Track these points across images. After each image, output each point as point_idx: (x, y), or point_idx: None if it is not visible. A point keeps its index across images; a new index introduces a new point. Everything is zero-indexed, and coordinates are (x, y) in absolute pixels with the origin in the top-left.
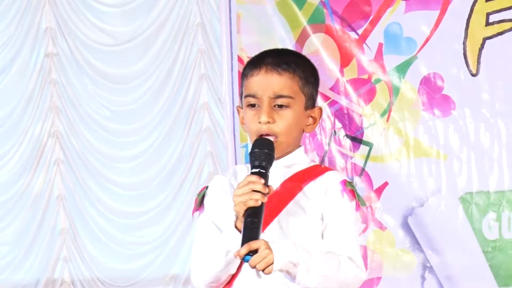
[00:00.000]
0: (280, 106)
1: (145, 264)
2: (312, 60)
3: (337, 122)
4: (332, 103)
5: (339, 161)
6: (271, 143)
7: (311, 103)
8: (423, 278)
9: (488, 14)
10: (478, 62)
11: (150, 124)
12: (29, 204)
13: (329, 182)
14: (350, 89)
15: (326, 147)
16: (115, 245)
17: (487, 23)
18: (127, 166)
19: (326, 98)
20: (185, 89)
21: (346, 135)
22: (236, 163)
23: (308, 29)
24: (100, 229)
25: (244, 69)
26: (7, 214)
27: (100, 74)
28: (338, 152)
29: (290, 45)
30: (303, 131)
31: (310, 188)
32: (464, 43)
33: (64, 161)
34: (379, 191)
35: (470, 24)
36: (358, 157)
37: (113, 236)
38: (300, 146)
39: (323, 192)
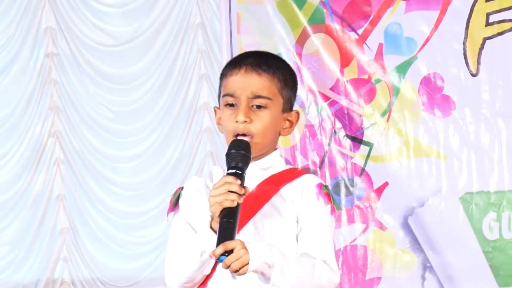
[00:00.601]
0: (258, 107)
1: (145, 264)
2: (313, 60)
3: (337, 122)
4: (332, 103)
5: (339, 161)
6: (247, 145)
7: (288, 106)
8: (423, 278)
9: (488, 14)
10: (478, 62)
11: (150, 124)
12: (29, 204)
13: (305, 185)
14: (350, 89)
15: (326, 147)
16: (115, 245)
17: (487, 23)
18: (127, 166)
19: (326, 98)
20: (185, 89)
21: (346, 135)
22: None
23: (308, 29)
24: (100, 229)
25: (224, 69)
26: (7, 214)
27: (100, 74)
28: (338, 152)
29: (290, 45)
30: (279, 134)
31: (286, 190)
32: (464, 43)
33: (64, 161)
34: (379, 191)
35: (470, 24)
36: (358, 157)
37: (113, 236)
38: (276, 149)
39: (299, 195)
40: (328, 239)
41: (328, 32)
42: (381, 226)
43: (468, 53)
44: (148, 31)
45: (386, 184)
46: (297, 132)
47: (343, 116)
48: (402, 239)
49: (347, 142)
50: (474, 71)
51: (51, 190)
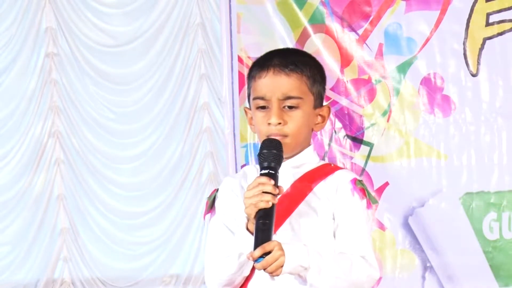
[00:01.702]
0: (290, 107)
1: (145, 264)
2: None
3: (337, 122)
4: (333, 104)
5: (340, 161)
6: (279, 143)
7: (319, 101)
8: (423, 278)
9: (488, 15)
10: (478, 62)
11: (151, 124)
12: (30, 204)
13: (339, 181)
14: (350, 89)
15: (326, 147)
16: (115, 245)
17: (487, 23)
18: (128, 166)
19: (326, 98)
20: (185, 89)
21: (347, 135)
22: (236, 163)
23: (309, 29)
24: (100, 229)
25: (251, 70)
26: (8, 214)
27: (100, 74)
28: (339, 152)
29: (290, 45)
30: (312, 130)
31: (321, 188)
32: (464, 43)
33: (64, 161)
34: (379, 191)
35: (470, 24)
36: (359, 157)
37: (113, 236)
38: (310, 145)
39: (334, 191)
40: (366, 234)
41: (328, 32)
42: (382, 226)
43: (468, 53)
44: (148, 31)
45: (386, 184)
46: None
47: (343, 116)
48: (402, 239)
49: (348, 142)
50: (474, 71)
51: (52, 190)
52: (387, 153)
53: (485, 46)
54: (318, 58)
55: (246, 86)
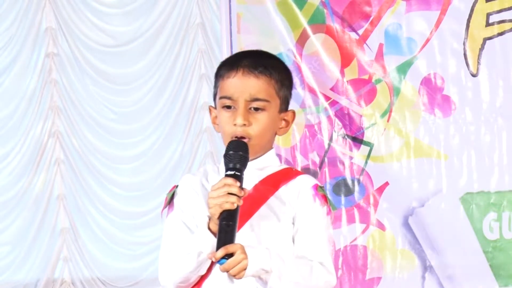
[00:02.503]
0: (256, 109)
1: (145, 264)
2: (313, 61)
3: (337, 122)
4: (333, 104)
5: (340, 161)
6: (245, 146)
7: (285, 106)
8: (423, 278)
9: (488, 15)
10: (479, 63)
11: (151, 124)
12: (30, 204)
13: (301, 186)
14: (350, 89)
15: (326, 147)
16: (115, 245)
17: (487, 24)
18: (128, 166)
19: (326, 98)
20: (186, 89)
21: (347, 135)
22: None
23: (309, 29)
24: (100, 229)
25: (219, 69)
26: (8, 214)
27: (100, 74)
28: (339, 152)
29: (290, 45)
30: (276, 134)
31: (283, 192)
32: (464, 44)
33: (64, 161)
34: (379, 191)
35: (471, 24)
36: (359, 157)
37: (113, 236)
38: (272, 148)
39: (295, 196)
40: (325, 240)
41: (329, 32)
42: (382, 226)
43: (468, 53)
44: (148, 31)
45: (386, 184)
46: (297, 132)
47: (343, 116)
48: (402, 239)
49: (348, 142)
50: (474, 71)
51: (52, 190)
52: (387, 153)
53: (485, 46)
54: (318, 59)
55: (213, 85)
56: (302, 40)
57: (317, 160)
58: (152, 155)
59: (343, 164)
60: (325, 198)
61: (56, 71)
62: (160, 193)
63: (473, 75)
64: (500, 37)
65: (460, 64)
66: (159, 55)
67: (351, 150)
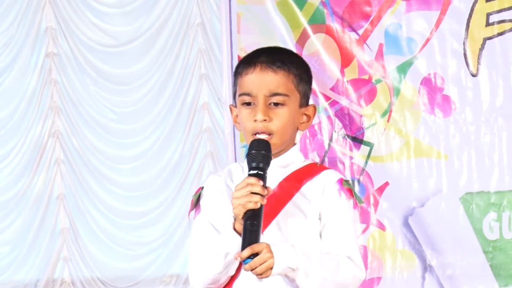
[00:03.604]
0: (276, 104)
1: (145, 264)
2: (313, 61)
3: (337, 122)
4: (333, 104)
5: (340, 161)
6: (268, 144)
7: (305, 101)
8: (423, 278)
9: (488, 15)
10: (479, 63)
11: (151, 124)
12: (30, 204)
13: (326, 181)
14: (350, 89)
15: (326, 147)
16: (115, 245)
17: (487, 24)
18: (128, 166)
19: (326, 98)
20: (185, 89)
21: (347, 135)
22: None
23: (309, 29)
24: (100, 229)
25: (238, 67)
26: (8, 214)
27: (100, 74)
28: (339, 152)
29: (290, 45)
30: (298, 129)
31: (307, 188)
32: (464, 44)
33: (64, 161)
34: (379, 191)
35: (471, 24)
36: (359, 157)
37: (113, 236)
38: (295, 144)
39: (320, 191)
40: (352, 234)
41: (329, 32)
42: (382, 226)
43: (468, 53)
44: (148, 31)
45: (386, 184)
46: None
47: (343, 116)
48: (402, 239)
49: (348, 142)
50: (474, 71)
51: (52, 190)
52: (387, 153)
53: (485, 46)
54: (318, 59)
55: (232, 84)
56: (302, 40)
57: (318, 160)
58: (152, 155)
59: (343, 164)
60: (350, 192)
61: (56, 71)
62: (161, 193)
63: (473, 75)
64: (500, 37)
65: (460, 64)
66: (159, 55)
67: (351, 150)
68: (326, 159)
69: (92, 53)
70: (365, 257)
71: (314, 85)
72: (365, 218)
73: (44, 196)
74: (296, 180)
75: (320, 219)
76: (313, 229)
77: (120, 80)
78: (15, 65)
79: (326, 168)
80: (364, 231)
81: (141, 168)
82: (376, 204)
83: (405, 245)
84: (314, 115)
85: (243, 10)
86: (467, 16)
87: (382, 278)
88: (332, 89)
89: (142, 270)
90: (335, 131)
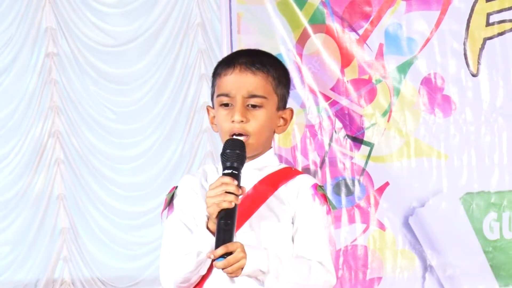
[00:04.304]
0: (254, 106)
1: (145, 264)
2: (313, 61)
3: (337, 122)
4: (333, 104)
5: (340, 161)
6: (242, 144)
7: (283, 104)
8: (423, 278)
9: (488, 15)
10: (479, 63)
11: (151, 124)
12: (30, 204)
13: (301, 185)
14: (350, 89)
15: (327, 147)
16: (115, 245)
17: (488, 24)
18: (128, 166)
19: (327, 98)
20: (185, 89)
21: (347, 135)
22: None
23: (309, 29)
24: (100, 229)
25: (216, 68)
26: (8, 214)
27: (100, 74)
28: (339, 152)
29: (290, 45)
30: (274, 132)
31: (282, 191)
32: (464, 44)
33: (64, 161)
34: (380, 191)
35: (471, 24)
36: (359, 157)
37: (113, 236)
38: (271, 147)
39: (295, 195)
40: (325, 240)
41: (329, 32)
42: (382, 226)
43: (468, 53)
44: (148, 31)
45: (386, 184)
46: (297, 132)
47: (343, 116)
48: (402, 239)
49: (348, 142)
50: (474, 71)
51: (52, 190)
52: (388, 153)
53: (486, 46)
54: (318, 58)
55: (211, 85)
56: (302, 40)
57: (318, 160)
58: (152, 155)
59: (343, 164)
60: (324, 197)
61: (56, 71)
62: (160, 193)
63: (473, 75)
64: (500, 37)
65: (460, 64)
66: (159, 55)
67: (351, 150)
68: (326, 159)
69: (92, 53)
70: (365, 257)
71: (314, 85)
72: (365, 218)
73: (44, 196)
74: (271, 183)
75: (293, 223)
76: (286, 232)
77: (120, 80)
78: (15, 65)
79: (301, 173)
80: (364, 231)
81: (141, 168)
82: (376, 204)
83: (405, 245)
84: (291, 118)
85: (243, 10)
86: (467, 16)
87: (383, 278)
88: (332, 89)
89: (142, 270)
90: (335, 131)
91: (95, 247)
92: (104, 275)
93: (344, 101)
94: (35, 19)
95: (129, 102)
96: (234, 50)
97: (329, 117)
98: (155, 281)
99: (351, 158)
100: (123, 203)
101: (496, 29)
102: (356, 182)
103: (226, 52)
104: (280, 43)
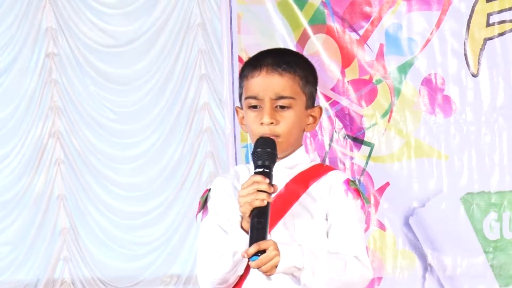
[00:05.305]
0: (282, 107)
1: (146, 264)
2: (313, 61)
3: (338, 122)
4: (333, 104)
5: (340, 162)
6: (273, 142)
7: (311, 102)
8: (424, 278)
9: (488, 15)
10: (479, 63)
11: (151, 124)
12: (30, 204)
13: (333, 182)
14: (351, 89)
15: (327, 148)
16: (115, 245)
17: (488, 24)
18: (128, 166)
19: (327, 98)
20: (186, 90)
21: (347, 136)
22: (236, 163)
23: (309, 29)
24: (100, 229)
25: (243, 69)
26: (8, 214)
27: (101, 74)
28: (339, 153)
29: (291, 45)
30: (304, 130)
31: (314, 188)
32: (465, 44)
33: (64, 161)
34: (380, 191)
35: (471, 24)
36: (359, 157)
37: (113, 236)
38: (301, 145)
39: (327, 192)
40: (359, 234)
41: (329, 32)
42: (382, 226)
43: (468, 54)
44: (148, 32)
45: (387, 184)
46: None
47: (344, 116)
48: (403, 239)
49: (348, 143)
50: (475, 72)
51: (52, 190)
52: (388, 153)
53: (486, 46)
54: (318, 59)
55: (238, 85)
56: (302, 40)
57: (318, 160)
58: (152, 155)
59: (343, 164)
60: (357, 192)
61: (56, 71)
62: (161, 193)
63: (474, 76)
64: (500, 37)
65: (461, 65)
66: (159, 55)
67: (351, 150)
68: (326, 159)
69: (92, 53)
70: None
71: None
72: (365, 218)
73: (44, 196)
74: (303, 181)
75: (326, 219)
76: (320, 229)
77: (120, 80)
78: (15, 65)
79: (333, 169)
80: (364, 231)
81: (141, 168)
82: (376, 204)
83: (405, 245)
84: (320, 116)
85: (244, 11)
86: (467, 17)
87: (383, 278)
88: (333, 89)
89: (142, 270)
90: (335, 131)
91: (95, 247)
92: (104, 275)
93: (344, 101)
94: (36, 19)
95: (129, 102)
96: (235, 50)
97: (329, 117)
98: (155, 281)
99: (352, 158)
100: (123, 203)
101: (496, 29)
102: (357, 182)
103: (226, 53)
104: (280, 44)
